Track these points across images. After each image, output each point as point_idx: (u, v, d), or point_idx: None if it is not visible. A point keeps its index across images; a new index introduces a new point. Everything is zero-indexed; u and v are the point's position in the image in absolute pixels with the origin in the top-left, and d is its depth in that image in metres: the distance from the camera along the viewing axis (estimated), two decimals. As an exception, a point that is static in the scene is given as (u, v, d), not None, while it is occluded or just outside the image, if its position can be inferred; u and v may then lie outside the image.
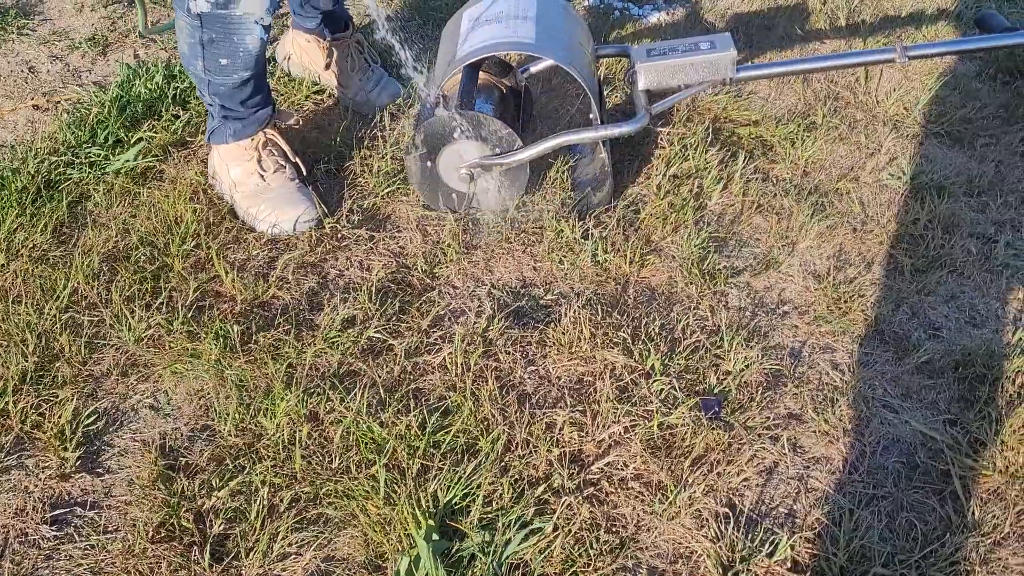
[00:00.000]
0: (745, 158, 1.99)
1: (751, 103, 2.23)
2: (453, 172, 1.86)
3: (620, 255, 1.78)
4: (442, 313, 1.69)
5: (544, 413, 1.49)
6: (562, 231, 1.82)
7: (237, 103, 1.82)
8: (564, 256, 1.79)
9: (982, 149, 2.07)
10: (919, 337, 1.63)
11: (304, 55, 2.26)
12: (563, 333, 1.61)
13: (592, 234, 1.82)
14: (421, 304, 1.70)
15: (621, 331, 1.61)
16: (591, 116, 1.82)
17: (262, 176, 1.90)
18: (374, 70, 2.27)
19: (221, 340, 1.60)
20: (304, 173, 1.97)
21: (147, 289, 1.72)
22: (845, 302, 1.68)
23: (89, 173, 2.03)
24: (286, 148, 1.94)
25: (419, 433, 1.43)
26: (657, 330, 1.62)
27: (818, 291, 1.71)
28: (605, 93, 2.21)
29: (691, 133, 2.07)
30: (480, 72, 1.98)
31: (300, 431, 1.44)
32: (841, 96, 2.24)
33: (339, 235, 1.86)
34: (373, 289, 1.71)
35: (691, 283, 1.72)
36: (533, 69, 2.03)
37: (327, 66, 2.24)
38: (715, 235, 1.83)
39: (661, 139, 2.07)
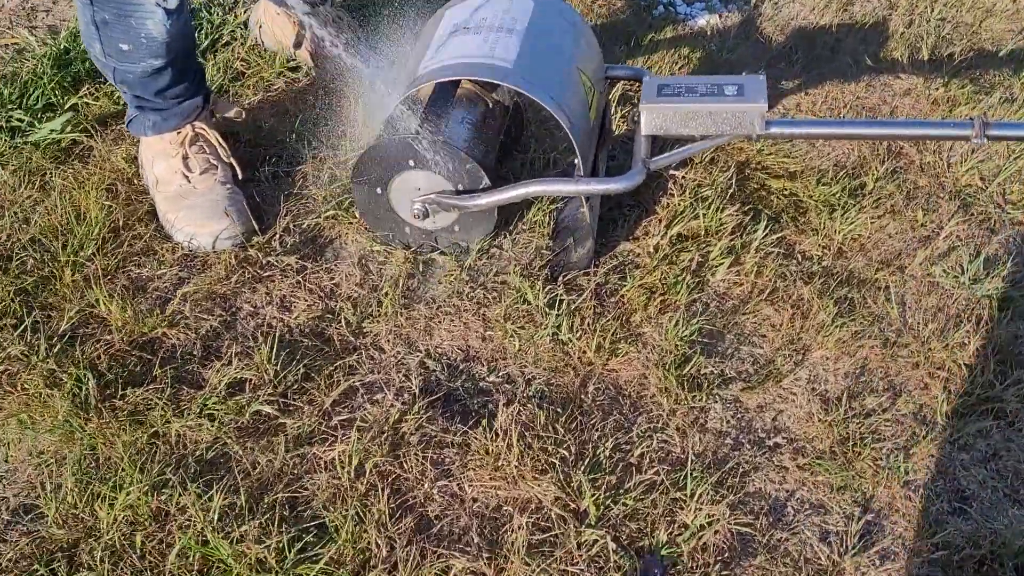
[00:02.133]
0: (768, 224, 1.62)
1: (792, 148, 1.84)
2: (406, 203, 1.54)
3: (587, 336, 1.45)
4: (356, 386, 1.39)
5: (440, 553, 1.18)
6: (525, 295, 1.50)
7: (152, 93, 1.52)
8: (521, 327, 1.47)
9: (1069, 248, 1.67)
10: (940, 509, 1.27)
11: (275, 27, 1.94)
12: (491, 440, 1.30)
13: (560, 301, 1.49)
14: (334, 370, 1.40)
15: (562, 448, 1.29)
16: (575, 162, 1.47)
17: (187, 177, 1.60)
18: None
19: (82, 389, 1.32)
20: (240, 176, 1.66)
21: (20, 304, 1.45)
22: (854, 444, 1.33)
23: (6, 142, 1.76)
24: (219, 145, 1.63)
25: (277, 562, 1.15)
26: (608, 453, 1.30)
27: (823, 423, 1.36)
28: (614, 119, 1.85)
29: (709, 181, 1.71)
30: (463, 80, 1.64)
31: (136, 535, 1.17)
32: (904, 153, 1.84)
33: (264, 261, 1.56)
34: (278, 340, 1.41)
35: (666, 389, 1.39)
36: (528, 82, 1.68)
37: (299, 43, 1.91)
38: (709, 325, 1.49)
39: (671, 185, 1.71)
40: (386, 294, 1.51)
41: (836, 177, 1.76)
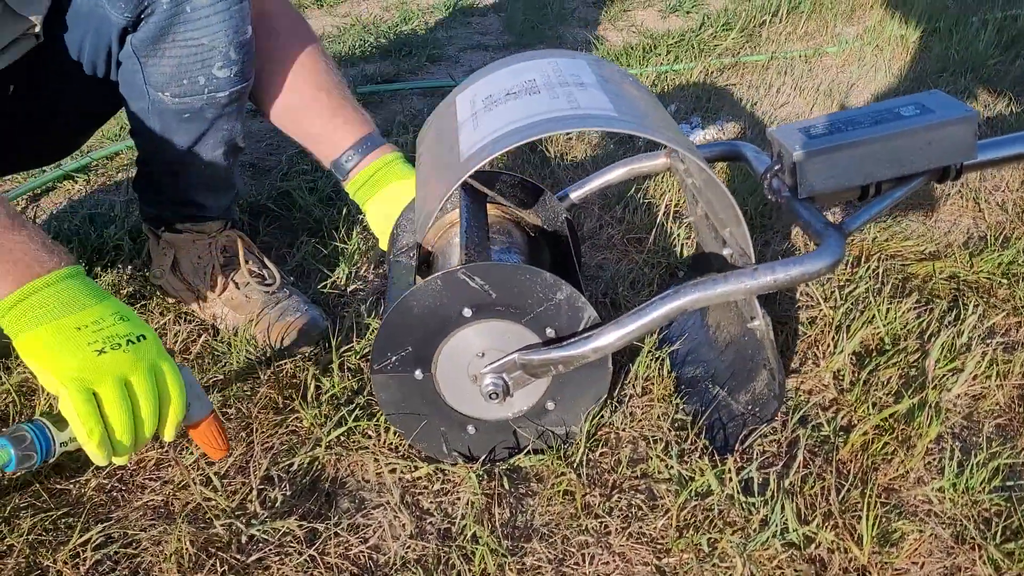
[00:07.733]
0: (971, 309, 1.13)
1: (906, 228, 1.41)
2: (466, 384, 0.95)
3: (835, 524, 0.85)
4: None
5: None
6: (704, 482, 0.90)
7: None
8: (718, 536, 0.85)
9: None
10: None
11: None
12: None
13: (760, 481, 0.90)
14: None
15: None
16: (726, 252, 0.96)
17: None
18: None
19: None
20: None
21: None
22: None
23: None
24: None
25: None
26: None
27: None
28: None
29: (845, 276, 1.22)
30: (488, 205, 1.12)
31: None
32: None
33: (243, 539, 0.90)
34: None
35: (1017, 578, 0.80)
36: (576, 194, 1.19)
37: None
38: (1001, 461, 0.93)
39: (799, 294, 1.21)
40: (475, 535, 0.87)
41: (990, 244, 1.32)
